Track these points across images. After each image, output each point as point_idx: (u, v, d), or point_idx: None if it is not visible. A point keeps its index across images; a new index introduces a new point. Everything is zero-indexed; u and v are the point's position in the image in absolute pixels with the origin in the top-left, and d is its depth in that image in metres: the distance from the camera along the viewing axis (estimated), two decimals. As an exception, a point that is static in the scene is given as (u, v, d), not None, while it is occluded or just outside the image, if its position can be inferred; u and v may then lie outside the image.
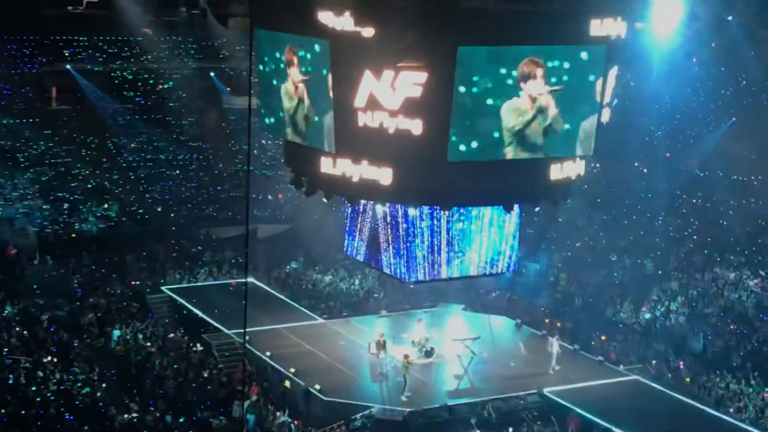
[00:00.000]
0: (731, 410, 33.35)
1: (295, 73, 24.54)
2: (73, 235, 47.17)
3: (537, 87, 22.95)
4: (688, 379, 35.77)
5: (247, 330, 37.18)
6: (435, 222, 28.37)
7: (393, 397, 32.66)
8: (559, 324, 40.99)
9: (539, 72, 22.80)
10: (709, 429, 31.62)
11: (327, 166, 24.13)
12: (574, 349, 37.87)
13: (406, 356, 33.80)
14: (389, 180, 23.66)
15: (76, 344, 35.85)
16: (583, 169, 25.88)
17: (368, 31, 22.09)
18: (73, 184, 49.71)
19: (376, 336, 35.72)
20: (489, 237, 29.06)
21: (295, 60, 24.30)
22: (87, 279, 43.10)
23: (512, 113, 22.94)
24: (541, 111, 23.24)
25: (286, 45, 24.53)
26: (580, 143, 24.14)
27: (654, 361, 37.49)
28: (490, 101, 22.78)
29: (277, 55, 25.06)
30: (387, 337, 35.62)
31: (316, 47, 23.17)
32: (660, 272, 44.37)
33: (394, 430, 30.63)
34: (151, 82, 54.68)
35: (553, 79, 22.91)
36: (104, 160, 51.73)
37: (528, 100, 22.94)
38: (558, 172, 24.61)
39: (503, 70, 22.53)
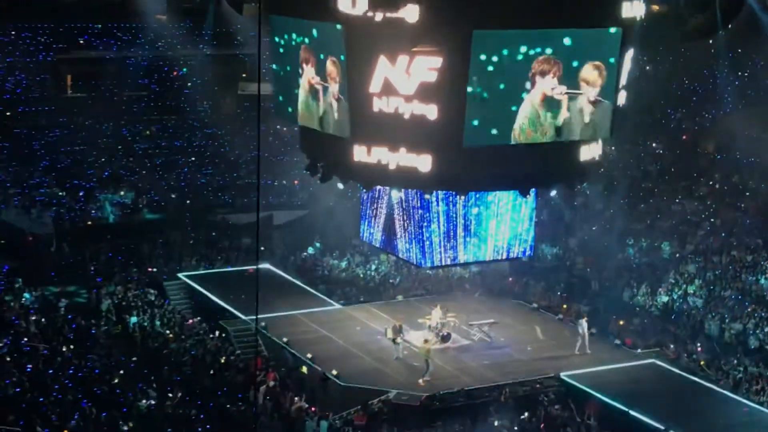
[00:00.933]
0: (749, 393, 33.24)
1: (307, 61, 24.52)
2: (90, 223, 47.32)
3: (550, 84, 22.89)
4: (702, 363, 35.65)
5: (263, 316, 37.46)
6: (451, 207, 28.35)
7: (410, 382, 32.68)
8: (575, 308, 40.92)
9: (555, 70, 22.72)
10: (727, 412, 31.51)
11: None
12: (591, 333, 37.77)
13: (426, 341, 33.85)
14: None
15: (93, 331, 35.96)
16: (600, 153, 25.83)
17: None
18: (89, 172, 49.81)
19: (392, 321, 35.73)
20: (505, 222, 29.03)
21: (310, 47, 24.28)
22: (104, 266, 43.23)
23: (528, 101, 22.91)
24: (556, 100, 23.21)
25: (300, 32, 24.51)
26: (596, 127, 24.07)
27: (671, 345, 37.40)
28: (505, 86, 22.72)
29: (292, 41, 25.04)
30: (403, 323, 35.60)
31: (330, 33, 23.13)
32: (677, 255, 44.21)
33: (411, 415, 30.63)
34: (165, 69, 54.71)
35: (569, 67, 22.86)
36: (119, 147, 51.81)
37: (542, 93, 22.91)
38: (574, 155, 24.56)
39: (519, 55, 22.46)
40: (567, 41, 22.78)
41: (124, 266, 43.37)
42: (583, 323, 35.93)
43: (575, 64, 23.10)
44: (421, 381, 32.78)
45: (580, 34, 22.87)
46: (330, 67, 23.88)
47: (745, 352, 36.64)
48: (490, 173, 24.21)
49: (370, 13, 22.30)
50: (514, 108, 23.00)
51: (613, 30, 23.30)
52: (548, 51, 22.62)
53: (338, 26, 22.80)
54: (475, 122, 22.77)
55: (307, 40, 24.38)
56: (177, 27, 52.93)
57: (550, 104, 23.17)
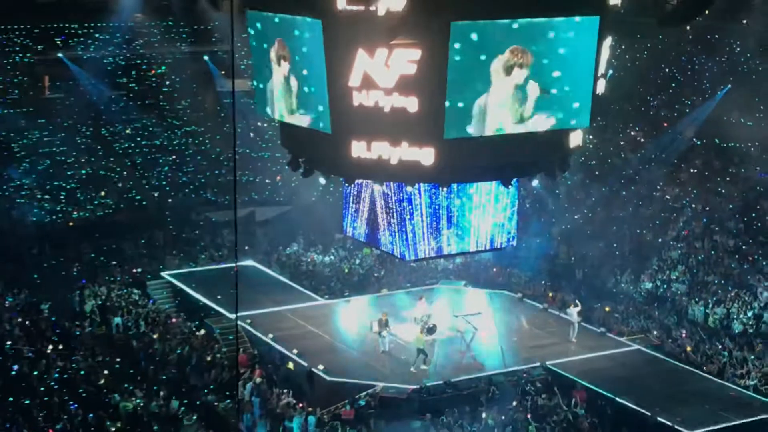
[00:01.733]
0: (735, 377, 33.40)
1: (285, 56, 24.44)
2: (71, 224, 47.17)
3: (522, 74, 22.87)
4: (689, 348, 35.82)
5: (248, 313, 37.46)
6: (433, 199, 28.35)
7: (396, 375, 32.71)
8: (559, 296, 41.07)
9: (527, 61, 22.69)
10: (712, 396, 31.66)
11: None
12: (579, 321, 37.92)
13: (422, 331, 33.95)
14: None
15: (78, 333, 35.86)
16: (580, 141, 25.83)
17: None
18: (69, 173, 49.63)
19: (378, 315, 35.74)
20: (487, 212, 29.04)
21: (287, 42, 24.21)
22: (87, 267, 43.10)
23: (504, 90, 22.89)
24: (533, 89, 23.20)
25: (277, 27, 24.43)
26: (575, 115, 24.07)
27: (656, 331, 37.55)
28: (485, 76, 22.69)
29: (267, 36, 24.95)
30: (389, 316, 35.62)
31: (308, 27, 23.05)
32: (660, 241, 44.38)
33: (399, 408, 30.65)
34: (144, 67, 54.53)
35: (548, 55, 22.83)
36: (99, 147, 51.64)
37: (522, 77, 22.89)
38: (555, 144, 24.56)
39: (497, 45, 22.42)
40: (545, 30, 22.76)
41: (107, 266, 43.26)
42: (573, 311, 36.00)
43: (550, 51, 23.09)
44: (423, 366, 32.90)
45: (556, 22, 22.85)
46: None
47: (729, 336, 36.82)
48: (471, 164, 24.19)
49: (350, 7, 22.25)
50: (492, 98, 22.99)
51: (590, 18, 23.28)
52: (524, 40, 22.59)
53: (316, 20, 22.73)
54: (456, 113, 22.74)
55: (283, 35, 24.30)
56: (154, 25, 52.76)
57: (522, 93, 23.15)
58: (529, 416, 29.64)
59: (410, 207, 28.23)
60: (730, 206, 44.74)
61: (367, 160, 23.69)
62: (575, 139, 25.48)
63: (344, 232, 32.56)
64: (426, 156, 23.48)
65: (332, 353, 34.86)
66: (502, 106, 23.10)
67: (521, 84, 23.06)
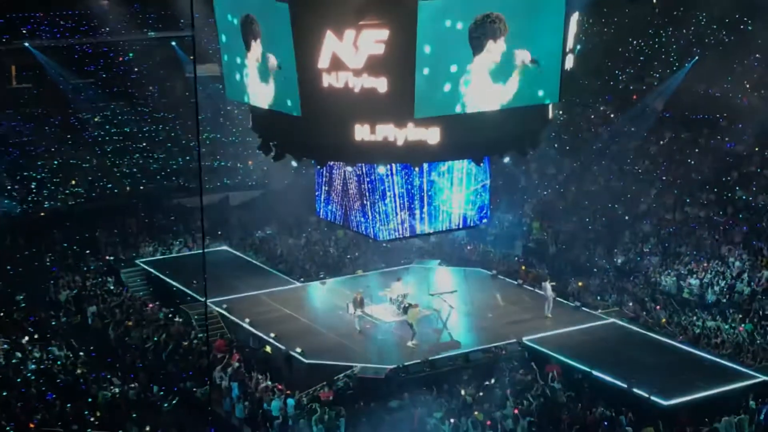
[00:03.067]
0: (710, 347, 33.70)
1: (253, 40, 24.40)
2: (43, 214, 46.95)
3: (499, 48, 22.94)
4: (664, 320, 36.10)
5: (224, 298, 37.46)
6: (405, 179, 28.40)
7: (374, 356, 32.79)
8: (533, 272, 41.27)
9: (503, 32, 22.74)
10: (688, 366, 31.91)
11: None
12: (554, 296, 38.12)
13: (408, 306, 33.97)
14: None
15: (53, 323, 35.75)
16: (550, 117, 25.95)
17: None
18: (39, 162, 49.35)
19: (353, 295, 35.77)
20: (460, 191, 29.12)
21: (255, 25, 24.16)
22: (60, 256, 42.92)
23: (475, 66, 22.94)
24: (504, 64, 23.25)
25: (244, 10, 24.37)
26: (545, 91, 24.16)
27: (630, 303, 37.80)
28: (453, 55, 22.72)
29: (235, 20, 24.89)
30: (364, 296, 35.68)
31: (275, 9, 22.99)
32: (632, 215, 44.60)
33: (377, 388, 30.76)
34: (111, 54, 54.24)
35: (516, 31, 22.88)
36: (68, 136, 51.37)
37: (491, 56, 22.93)
38: (525, 121, 24.65)
39: (464, 23, 22.45)
40: (513, 6, 22.80)
41: (81, 255, 43.09)
42: (547, 285, 36.17)
43: (518, 28, 23.14)
44: (410, 344, 33.09)
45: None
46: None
47: (703, 306, 37.10)
48: (442, 143, 24.24)
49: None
50: (463, 76, 23.02)
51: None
52: (496, 13, 22.62)
53: (282, 3, 22.68)
54: (425, 92, 22.78)
55: (251, 18, 24.23)
56: (120, 12, 52.43)
57: (501, 68, 23.21)
58: (507, 392, 29.79)
59: (382, 187, 28.27)
60: (699, 177, 44.98)
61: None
62: (545, 114, 25.61)
63: (318, 214, 32.59)
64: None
65: (309, 336, 34.88)
66: (474, 84, 23.17)
67: (496, 60, 23.14)
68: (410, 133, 23.76)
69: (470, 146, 25.08)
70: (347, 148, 24.39)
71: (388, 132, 23.76)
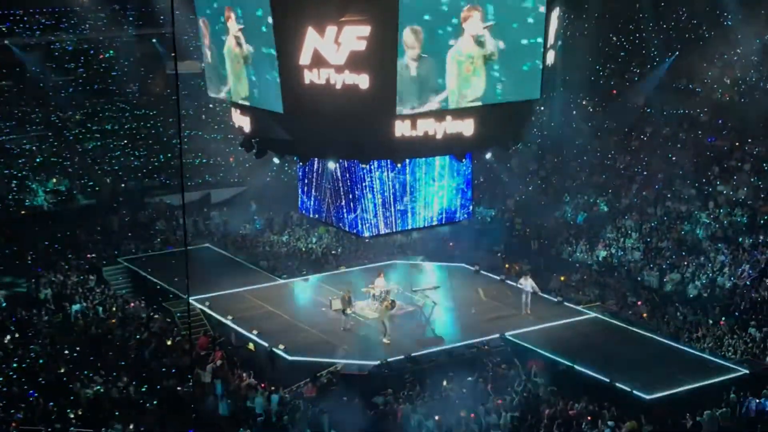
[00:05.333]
0: (691, 341, 33.86)
1: (234, 37, 24.41)
2: (24, 212, 46.76)
3: (475, 27, 22.99)
4: (645, 315, 36.23)
5: (207, 295, 37.39)
6: (387, 175, 28.43)
7: (357, 352, 32.81)
8: (516, 267, 41.38)
9: (476, 14, 22.82)
10: (670, 360, 32.04)
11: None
12: (533, 292, 38.20)
13: (385, 302, 33.98)
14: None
15: (35, 321, 35.62)
16: (532, 113, 26.04)
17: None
18: (20, 161, 49.17)
19: (339, 292, 35.75)
20: (442, 187, 29.18)
21: (236, 23, 24.15)
22: (41, 255, 42.77)
23: (455, 60, 22.99)
24: (485, 57, 23.32)
25: (225, 7, 24.35)
26: (526, 87, 24.26)
27: (612, 298, 37.93)
28: (435, 50, 22.78)
29: (216, 17, 24.88)
30: (350, 293, 35.71)
31: (256, 6, 23.00)
32: (614, 210, 44.76)
33: (360, 384, 30.78)
34: (92, 52, 54.10)
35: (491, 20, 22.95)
36: (50, 134, 51.19)
37: (470, 43, 22.97)
38: (508, 117, 24.74)
39: (445, 18, 22.51)
40: (494, 2, 22.88)
41: (62, 254, 42.95)
42: (524, 281, 36.24)
43: (499, 25, 23.21)
44: (386, 340, 33.12)
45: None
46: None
47: (685, 300, 37.25)
48: (424, 139, 24.28)
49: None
50: (444, 71, 23.09)
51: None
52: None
53: (262, 1, 22.69)
54: (407, 89, 22.83)
55: (233, 14, 24.23)
56: (100, 9, 52.30)
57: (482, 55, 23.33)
58: (489, 387, 29.86)
59: (365, 183, 28.29)
60: (680, 172, 45.16)
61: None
62: (527, 110, 25.70)
63: (300, 210, 32.58)
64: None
65: (292, 332, 34.87)
66: (457, 80, 23.24)
67: (476, 56, 23.24)
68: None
69: (452, 142, 25.09)
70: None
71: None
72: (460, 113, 23.79)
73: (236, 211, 48.56)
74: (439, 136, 24.08)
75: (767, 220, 40.39)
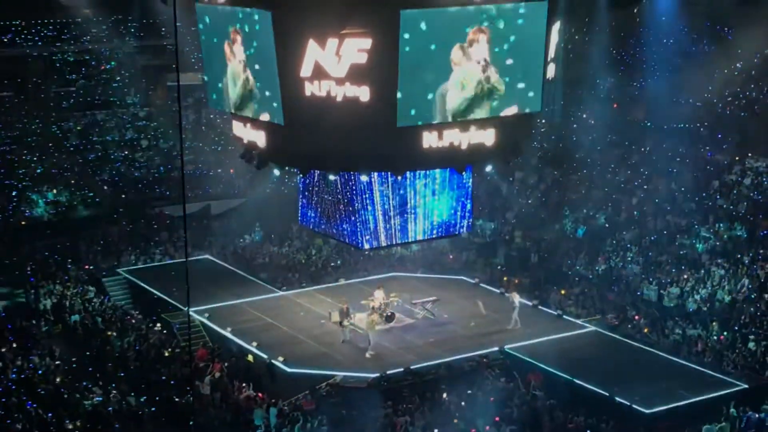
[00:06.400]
0: (690, 355, 33.83)
1: (238, 49, 24.44)
2: (24, 223, 46.75)
3: (481, 51, 23.09)
4: (647, 330, 36.20)
5: (206, 307, 37.38)
6: (388, 187, 28.41)
7: (356, 365, 32.78)
8: (516, 281, 41.37)
9: (483, 37, 22.90)
10: (669, 374, 32.03)
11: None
12: (533, 305, 38.22)
13: (372, 315, 33.98)
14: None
15: (34, 332, 35.59)
16: (533, 126, 26.09)
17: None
18: (20, 171, 49.17)
19: (338, 304, 35.75)
20: (442, 199, 29.17)
21: (239, 36, 24.19)
22: (41, 266, 42.74)
23: (458, 77, 23.05)
24: (486, 74, 23.38)
25: (228, 20, 24.39)
26: (527, 100, 24.29)
27: (612, 312, 37.90)
28: (435, 64, 22.82)
29: (217, 29, 24.91)
30: (349, 305, 35.68)
31: (258, 18, 23.04)
32: (613, 223, 44.75)
33: (359, 397, 30.74)
34: (93, 63, 54.21)
35: (499, 42, 23.03)
36: (50, 144, 51.23)
37: (473, 64, 23.05)
38: (479, 135, 24.74)
39: (447, 33, 22.56)
40: (495, 18, 22.92)
41: (62, 265, 42.92)
42: (512, 296, 36.06)
43: (500, 39, 23.26)
44: (367, 355, 33.09)
45: (505, 9, 23.02)
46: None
47: (684, 315, 37.23)
48: (425, 151, 24.30)
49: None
50: (442, 85, 23.13)
51: (538, 3, 23.47)
52: (477, 24, 22.76)
53: (266, 12, 22.73)
54: (408, 102, 22.85)
55: (236, 26, 24.27)
56: (102, 20, 52.41)
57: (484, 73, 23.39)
58: (490, 400, 29.81)
59: (365, 196, 28.28)
60: (682, 189, 45.16)
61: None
62: (528, 123, 25.73)
63: (300, 222, 32.56)
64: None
65: (291, 344, 34.86)
66: (457, 95, 23.28)
67: (478, 71, 23.29)
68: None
69: (453, 155, 25.09)
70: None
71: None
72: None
73: (236, 223, 48.55)
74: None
75: (766, 234, 40.40)
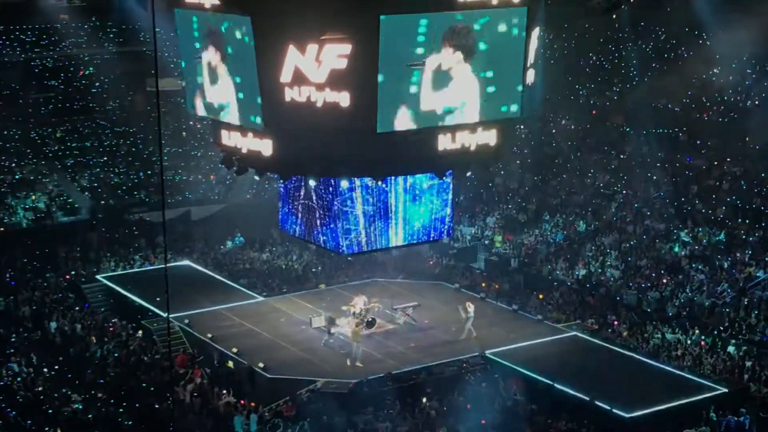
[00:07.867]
0: (670, 359, 33.93)
1: (218, 55, 24.38)
2: (2, 229, 46.50)
3: (460, 57, 23.13)
4: (626, 333, 36.29)
5: (186, 313, 37.24)
6: (368, 193, 28.39)
7: (337, 370, 32.74)
8: (496, 286, 41.43)
9: (463, 43, 22.93)
10: (649, 379, 32.12)
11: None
12: (513, 310, 38.29)
13: (358, 324, 33.99)
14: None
15: (13, 339, 35.41)
16: (512, 131, 26.13)
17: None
18: (-1, 177, 49.02)
19: (322, 312, 35.70)
20: (422, 204, 29.17)
21: (219, 42, 24.13)
22: (20, 272, 42.52)
23: (435, 81, 23.07)
24: (466, 79, 23.41)
25: (207, 26, 24.33)
26: (507, 106, 24.34)
27: (591, 318, 37.96)
28: (415, 69, 22.83)
29: (197, 34, 24.85)
30: (325, 310, 35.63)
31: (238, 24, 23.00)
32: (592, 228, 44.89)
33: (341, 402, 30.71)
34: (72, 69, 54.04)
35: (479, 47, 23.06)
36: (29, 151, 51.01)
37: (453, 70, 23.09)
38: (485, 136, 24.79)
39: (427, 38, 22.57)
40: (475, 23, 22.97)
41: (41, 271, 42.71)
42: (471, 307, 35.95)
43: (480, 44, 23.31)
44: (358, 363, 33.08)
45: (485, 14, 23.07)
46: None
47: (664, 319, 37.33)
48: (405, 157, 24.32)
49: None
50: (422, 91, 23.17)
51: (518, 9, 23.53)
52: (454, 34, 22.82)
53: (245, 18, 22.69)
54: (388, 107, 22.86)
55: (215, 31, 24.21)
56: (81, 26, 52.24)
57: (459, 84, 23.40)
58: (469, 406, 29.84)
59: (345, 201, 28.25)
60: (661, 194, 45.34)
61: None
62: (508, 129, 25.75)
63: (281, 228, 32.50)
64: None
65: (272, 350, 34.80)
66: (437, 100, 23.30)
67: (458, 77, 23.32)
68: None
69: (433, 160, 25.12)
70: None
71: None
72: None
73: (217, 229, 48.43)
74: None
75: (745, 239, 40.60)
